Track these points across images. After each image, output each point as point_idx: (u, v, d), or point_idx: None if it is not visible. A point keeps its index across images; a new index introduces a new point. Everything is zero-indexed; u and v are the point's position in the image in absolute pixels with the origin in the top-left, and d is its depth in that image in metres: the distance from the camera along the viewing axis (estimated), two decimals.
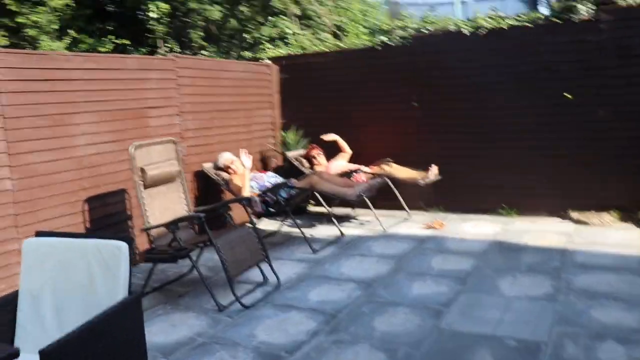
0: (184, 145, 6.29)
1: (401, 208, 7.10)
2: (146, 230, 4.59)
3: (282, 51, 8.21)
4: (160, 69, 5.97)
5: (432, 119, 7.13)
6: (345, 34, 9.22)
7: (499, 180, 6.82)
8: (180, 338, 3.94)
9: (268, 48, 8.41)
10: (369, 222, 6.90)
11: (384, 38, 7.28)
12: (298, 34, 8.26)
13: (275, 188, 5.79)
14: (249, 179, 6.04)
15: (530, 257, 5.20)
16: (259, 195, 5.82)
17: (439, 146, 7.11)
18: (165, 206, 4.93)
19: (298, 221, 7.06)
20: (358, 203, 6.18)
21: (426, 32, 7.04)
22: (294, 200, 6.07)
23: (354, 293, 4.58)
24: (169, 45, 8.62)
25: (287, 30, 8.44)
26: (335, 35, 9.09)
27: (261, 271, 4.97)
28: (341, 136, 7.62)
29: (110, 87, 5.37)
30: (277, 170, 7.62)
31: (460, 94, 6.93)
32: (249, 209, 5.36)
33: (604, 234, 5.80)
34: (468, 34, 6.69)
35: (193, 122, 6.43)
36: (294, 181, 6.22)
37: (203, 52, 8.72)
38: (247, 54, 8.40)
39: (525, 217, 6.68)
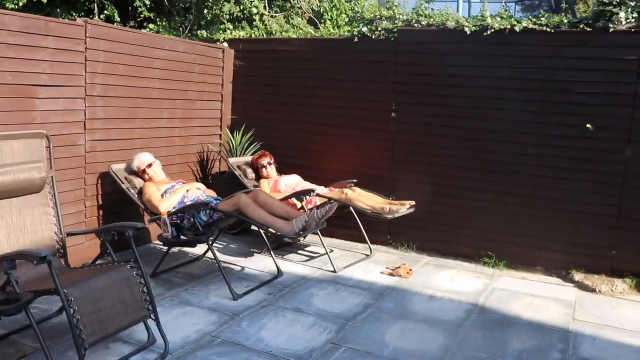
0: (88, 139, 4.86)
1: (364, 240, 5.72)
2: None
3: (243, 33, 6.77)
4: (60, 37, 4.50)
5: (412, 135, 5.72)
6: (323, 21, 7.77)
7: (487, 221, 5.44)
8: None
9: (229, 29, 6.96)
10: (320, 256, 5.49)
11: (364, 29, 5.87)
12: (266, 14, 6.82)
13: (192, 208, 4.36)
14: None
15: (520, 339, 3.82)
16: (169, 216, 4.38)
17: (416, 170, 5.71)
18: (18, 227, 3.48)
19: (232, 245, 5.70)
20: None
21: (417, 26, 5.63)
22: (217, 226, 4.65)
23: None
24: (108, 13, 7.13)
25: (254, 10, 7.00)
26: (312, 22, 7.64)
27: (146, 327, 3.55)
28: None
29: None
30: (217, 181, 6.21)
31: (450, 109, 5.52)
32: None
33: (616, 310, 4.43)
34: (469, 33, 5.27)
35: (104, 110, 4.98)
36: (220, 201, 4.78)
37: (150, 25, 7.24)
38: (203, 32, 6.94)
39: (515, 271, 5.29)
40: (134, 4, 7.22)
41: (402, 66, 5.70)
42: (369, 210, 5.22)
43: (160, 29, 7.30)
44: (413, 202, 5.27)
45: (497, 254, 5.39)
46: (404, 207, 5.16)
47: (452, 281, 4.97)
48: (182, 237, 4.29)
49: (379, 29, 5.75)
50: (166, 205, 4.54)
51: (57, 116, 4.55)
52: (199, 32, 7.15)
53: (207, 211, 4.50)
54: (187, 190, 4.80)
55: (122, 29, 5.56)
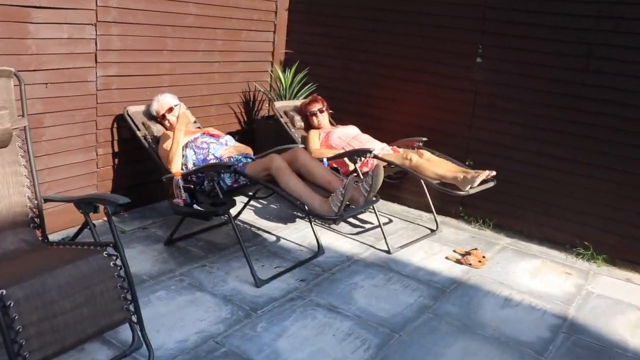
0: (100, 74, 4.04)
1: (431, 210, 4.73)
2: None
3: None
4: None
5: (500, 87, 4.57)
6: None
7: (585, 202, 4.31)
8: None
9: None
10: (375, 227, 4.57)
11: None
12: None
13: (211, 169, 3.49)
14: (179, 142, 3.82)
15: None
16: (184, 177, 3.54)
17: (501, 130, 4.60)
18: None
19: (273, 206, 4.88)
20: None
21: None
22: (244, 193, 3.78)
23: None
24: None
25: None
26: None
27: (131, 327, 2.79)
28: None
29: None
30: (262, 127, 5.32)
31: (554, 58, 4.31)
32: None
33: None
34: None
35: (122, 40, 4.13)
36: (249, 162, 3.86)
37: None
38: None
39: (617, 269, 4.19)
40: None
41: (494, 2, 4.50)
42: (436, 183, 4.20)
43: None
44: (494, 172, 4.20)
45: (596, 245, 4.28)
46: (480, 178, 4.10)
47: (535, 277, 3.94)
48: (195, 205, 3.44)
49: None
50: (179, 165, 3.69)
51: (59, 46, 3.74)
52: None
53: (232, 174, 3.62)
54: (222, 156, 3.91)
55: None
